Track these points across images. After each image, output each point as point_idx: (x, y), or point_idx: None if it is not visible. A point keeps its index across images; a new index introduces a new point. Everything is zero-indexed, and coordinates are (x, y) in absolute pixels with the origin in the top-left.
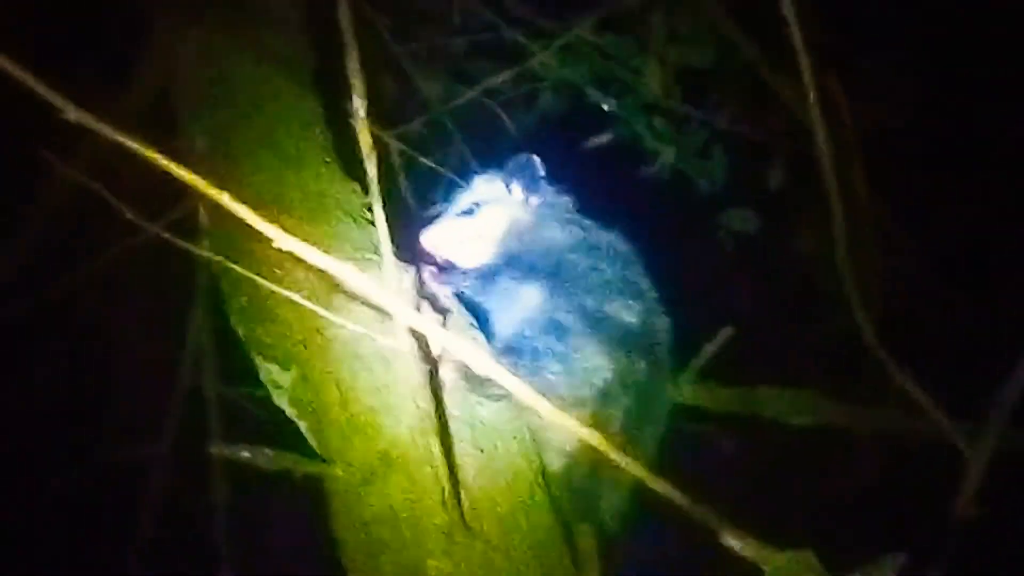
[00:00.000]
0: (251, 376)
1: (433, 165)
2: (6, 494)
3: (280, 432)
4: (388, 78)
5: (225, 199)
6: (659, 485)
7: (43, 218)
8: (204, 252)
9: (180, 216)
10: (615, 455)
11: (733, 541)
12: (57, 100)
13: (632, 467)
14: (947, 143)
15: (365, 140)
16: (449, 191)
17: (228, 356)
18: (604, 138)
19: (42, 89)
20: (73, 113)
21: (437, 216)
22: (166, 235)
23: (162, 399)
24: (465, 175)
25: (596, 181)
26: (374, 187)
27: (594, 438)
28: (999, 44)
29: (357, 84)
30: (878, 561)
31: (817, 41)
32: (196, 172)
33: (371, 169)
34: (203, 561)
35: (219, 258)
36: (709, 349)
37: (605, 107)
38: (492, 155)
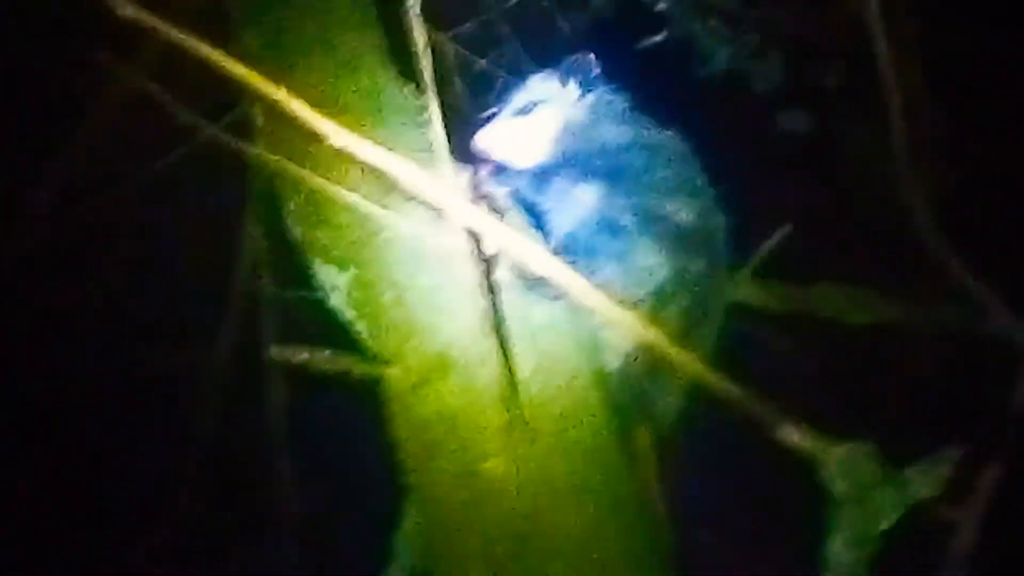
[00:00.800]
0: (307, 279)
1: (487, 66)
2: (62, 399)
3: (336, 334)
4: None
5: (282, 96)
6: (716, 381)
7: (99, 121)
8: (259, 153)
9: (235, 118)
10: (672, 353)
11: (791, 435)
12: None
13: (689, 364)
14: (1010, 42)
15: (419, 36)
16: (504, 93)
17: (283, 259)
18: (658, 38)
19: None
20: (128, 9)
21: (492, 117)
22: (222, 136)
23: (218, 303)
24: (519, 75)
25: (651, 81)
26: (429, 84)
27: (651, 337)
28: None
29: None
30: (936, 454)
31: None
32: (252, 72)
33: (426, 66)
34: (261, 465)
35: (274, 159)
36: (766, 248)
37: (660, 5)
38: (546, 55)
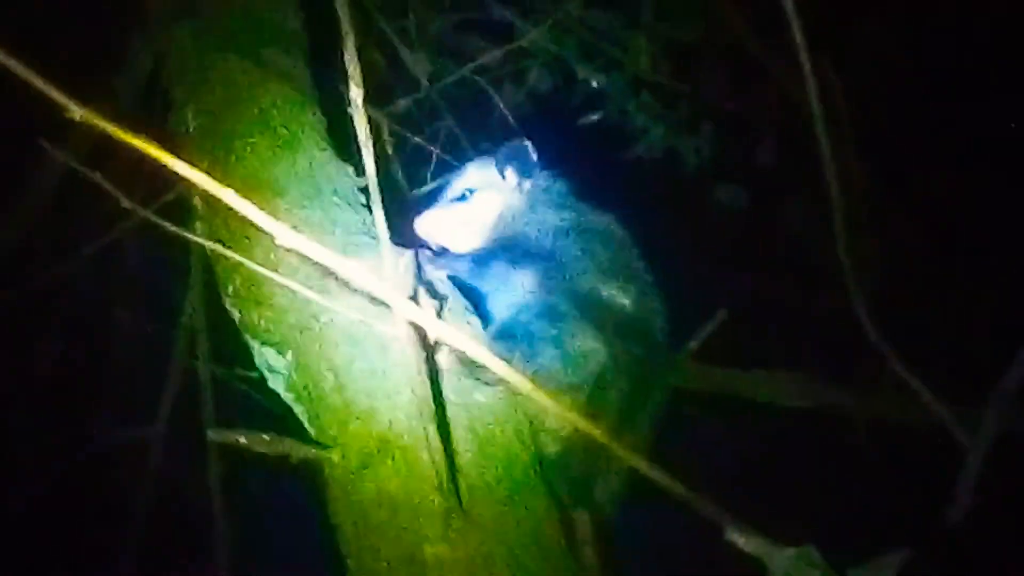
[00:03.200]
0: (246, 359)
1: (424, 143)
2: (2, 476)
3: (276, 415)
4: (378, 55)
5: (223, 193)
6: (656, 474)
7: (38, 203)
8: (198, 236)
9: (174, 199)
10: (610, 442)
11: (737, 537)
12: (61, 98)
13: (627, 456)
14: (943, 126)
15: (363, 128)
16: (440, 169)
17: (223, 338)
18: (594, 116)
19: (43, 86)
20: (78, 112)
21: (430, 197)
22: (159, 220)
23: (157, 382)
24: (455, 153)
25: (587, 161)
26: (372, 176)
27: (589, 423)
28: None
29: (355, 72)
30: (881, 558)
31: (809, 16)
32: (190, 156)
33: (368, 158)
34: (199, 545)
35: (213, 243)
36: (704, 332)
37: (594, 83)
38: (482, 133)
